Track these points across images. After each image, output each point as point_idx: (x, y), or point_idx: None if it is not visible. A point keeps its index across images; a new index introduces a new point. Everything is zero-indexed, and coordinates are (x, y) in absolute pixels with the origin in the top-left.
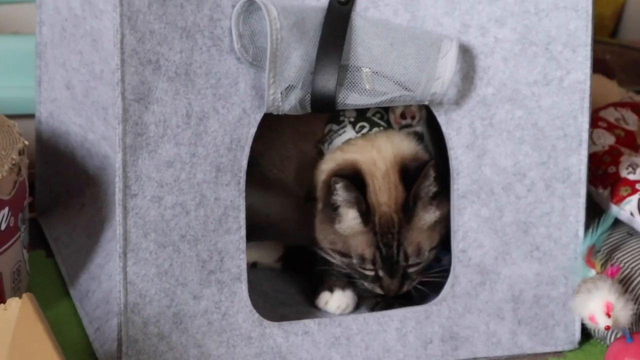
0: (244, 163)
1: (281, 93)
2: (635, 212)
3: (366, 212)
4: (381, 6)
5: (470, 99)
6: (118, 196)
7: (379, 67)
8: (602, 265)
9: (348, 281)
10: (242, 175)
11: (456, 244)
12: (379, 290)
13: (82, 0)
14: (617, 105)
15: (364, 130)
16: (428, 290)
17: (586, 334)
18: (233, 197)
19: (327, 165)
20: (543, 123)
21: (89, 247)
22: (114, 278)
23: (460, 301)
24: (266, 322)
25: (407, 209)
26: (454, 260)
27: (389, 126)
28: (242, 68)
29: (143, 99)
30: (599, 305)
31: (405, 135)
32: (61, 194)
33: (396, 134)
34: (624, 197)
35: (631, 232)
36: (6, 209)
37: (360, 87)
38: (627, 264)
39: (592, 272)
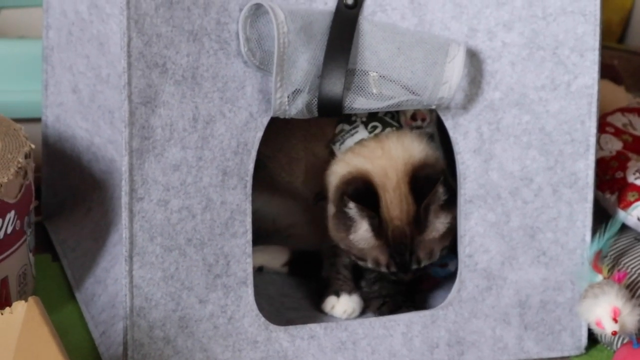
0: (251, 167)
1: (288, 97)
2: None
3: (379, 227)
4: (388, 10)
5: (478, 104)
6: (124, 200)
7: (386, 71)
8: (609, 270)
9: (355, 285)
10: (249, 179)
11: (463, 249)
12: (393, 278)
13: (89, 4)
14: (624, 110)
15: (377, 130)
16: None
17: (593, 339)
18: (239, 201)
19: (339, 167)
20: (550, 128)
21: (94, 251)
22: (119, 282)
23: (467, 306)
24: (272, 327)
25: (419, 221)
26: (461, 265)
27: (400, 126)
28: (249, 72)
29: (150, 103)
30: (606, 311)
31: (416, 136)
32: (67, 198)
33: (407, 135)
34: (631, 203)
35: (638, 237)
36: (12, 213)
37: (368, 91)
38: (634, 269)
39: (599, 277)
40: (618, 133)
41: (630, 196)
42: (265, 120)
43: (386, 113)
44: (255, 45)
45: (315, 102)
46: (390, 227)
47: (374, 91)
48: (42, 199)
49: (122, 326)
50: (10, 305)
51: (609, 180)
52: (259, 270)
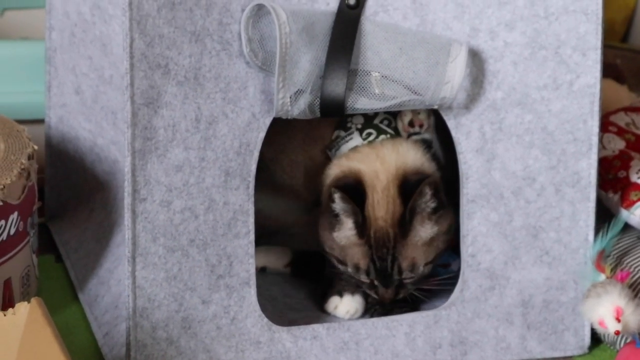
0: (253, 167)
1: (290, 97)
2: None
3: (362, 225)
4: (390, 10)
5: (480, 103)
6: (127, 200)
7: (388, 71)
8: (611, 269)
9: (357, 285)
10: (251, 179)
11: (465, 249)
12: (374, 297)
13: (92, 5)
14: (627, 109)
15: (371, 138)
16: (428, 297)
17: (596, 339)
18: (242, 202)
19: (332, 171)
20: (553, 127)
21: (98, 252)
22: (122, 282)
23: (470, 306)
24: (275, 327)
25: (404, 224)
26: (463, 265)
27: (396, 134)
28: (251, 72)
29: (152, 103)
30: (609, 310)
31: (412, 145)
32: (70, 199)
33: (403, 143)
34: (634, 202)
35: None
36: (15, 214)
37: (370, 91)
38: (637, 269)
39: (602, 277)
40: (621, 132)
41: (633, 195)
42: (267, 121)
43: (382, 120)
44: (258, 45)
45: (318, 103)
46: (374, 227)
47: (376, 91)
48: (45, 200)
49: (125, 327)
50: (13, 307)
51: (611, 179)
52: (261, 271)
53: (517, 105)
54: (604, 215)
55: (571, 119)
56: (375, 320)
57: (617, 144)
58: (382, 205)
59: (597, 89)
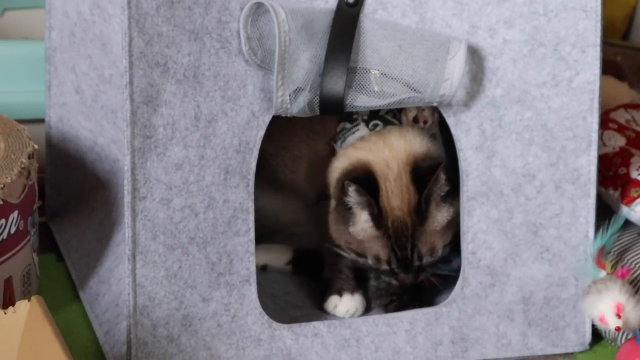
0: (253, 165)
1: (290, 95)
2: None
3: (378, 216)
4: (389, 8)
5: (479, 100)
6: (127, 199)
7: (388, 69)
8: (612, 266)
9: (357, 284)
10: (251, 177)
11: (466, 246)
12: (395, 283)
13: (91, 5)
14: (627, 106)
15: (378, 129)
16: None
17: (597, 335)
18: (242, 200)
19: (340, 163)
20: (552, 124)
21: (98, 251)
22: (123, 281)
23: (470, 303)
24: (276, 324)
25: (420, 211)
26: (464, 262)
27: (401, 124)
28: (250, 70)
29: (151, 102)
30: (609, 306)
31: (418, 132)
32: (71, 198)
33: (409, 130)
34: (634, 198)
35: None
36: (15, 213)
37: (369, 89)
38: (637, 265)
39: (603, 273)
40: (621, 129)
41: (633, 192)
42: (267, 119)
43: (387, 112)
44: (257, 44)
45: (317, 101)
46: (391, 218)
47: (376, 89)
48: (46, 199)
49: (125, 325)
50: (14, 305)
51: (612, 176)
52: (262, 269)
53: (517, 103)
54: (605, 212)
55: (571, 116)
56: (376, 317)
57: (618, 141)
58: (396, 194)
59: (596, 86)
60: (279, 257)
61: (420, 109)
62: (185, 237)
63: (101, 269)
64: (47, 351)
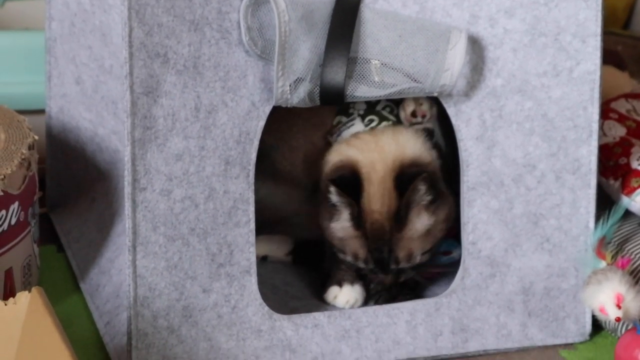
0: (253, 156)
1: (290, 86)
2: None
3: (358, 217)
4: None
5: (480, 91)
6: (127, 190)
7: (388, 59)
8: (612, 256)
9: (357, 275)
10: (251, 168)
11: (466, 236)
12: (376, 280)
13: None
14: (628, 96)
15: (373, 124)
16: (429, 283)
17: (597, 326)
18: (242, 190)
19: (331, 158)
20: (553, 114)
21: (99, 242)
22: (123, 272)
23: (470, 293)
24: (276, 315)
25: (399, 217)
26: (464, 253)
27: (398, 121)
28: (250, 61)
29: (152, 92)
30: (610, 297)
31: (412, 133)
32: (71, 189)
33: (403, 131)
34: (635, 189)
35: None
36: (16, 204)
37: (369, 79)
38: (637, 256)
39: (603, 264)
40: (622, 119)
41: (634, 182)
42: (267, 109)
43: (384, 107)
44: (257, 34)
45: (317, 91)
46: (370, 220)
47: (376, 79)
48: (46, 190)
49: (126, 316)
50: (14, 296)
51: (612, 166)
52: (263, 260)
53: (517, 93)
54: (605, 202)
55: (571, 106)
56: (376, 308)
57: (618, 131)
58: (378, 198)
59: (597, 76)
60: (279, 248)
61: (418, 104)
62: (185, 228)
63: (102, 260)
64: (48, 342)
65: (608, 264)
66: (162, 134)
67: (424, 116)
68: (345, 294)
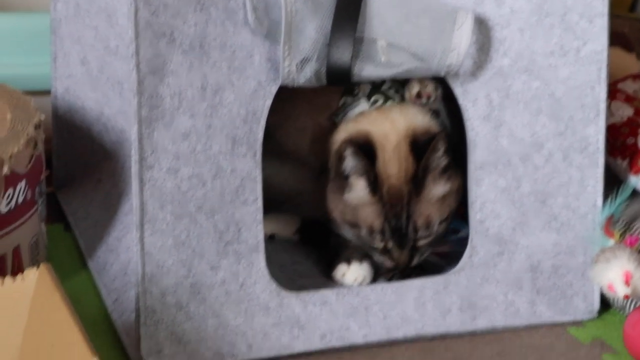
0: (260, 135)
1: (296, 65)
2: None
3: (374, 182)
4: None
5: (487, 70)
6: (134, 168)
7: (395, 38)
8: (620, 234)
9: (365, 253)
10: (258, 147)
11: (474, 215)
12: (388, 264)
13: None
14: (635, 77)
15: (378, 104)
16: (443, 263)
17: (605, 304)
18: (249, 169)
19: (339, 136)
20: (560, 94)
21: (106, 220)
22: (131, 250)
23: (479, 271)
24: (284, 292)
25: (417, 181)
26: (472, 231)
27: (403, 100)
28: (256, 40)
29: (158, 72)
30: (618, 275)
31: (419, 109)
32: (78, 169)
33: (410, 107)
34: None
35: None
36: (23, 182)
37: (376, 59)
38: None
39: (611, 242)
40: (629, 99)
41: None
42: (273, 89)
43: (389, 87)
44: (262, 14)
45: (324, 71)
46: (387, 185)
47: (382, 59)
48: (53, 170)
49: (134, 293)
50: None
51: (620, 146)
52: (270, 238)
53: (524, 72)
54: (613, 182)
55: (579, 86)
56: (384, 285)
57: (626, 111)
58: (394, 163)
59: (604, 56)
60: (286, 227)
61: (423, 85)
62: (192, 205)
63: (109, 239)
64: (57, 318)
65: (616, 242)
66: (169, 113)
67: (428, 97)
68: (353, 272)
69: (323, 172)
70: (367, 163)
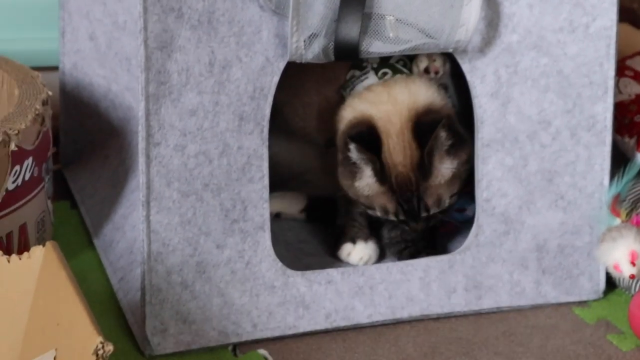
0: (267, 112)
1: (304, 41)
2: None
3: (382, 172)
4: None
5: (495, 47)
6: (141, 145)
7: (403, 14)
8: (627, 214)
9: (370, 232)
10: (265, 124)
11: (480, 193)
12: (407, 229)
13: None
14: None
15: (387, 77)
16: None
17: (611, 284)
18: (256, 146)
19: (346, 113)
20: (568, 70)
21: (113, 198)
22: (137, 228)
23: (484, 250)
24: (289, 271)
25: (423, 167)
26: (478, 210)
27: (411, 73)
28: (265, 16)
29: (166, 47)
30: (624, 254)
31: (424, 82)
32: (85, 146)
33: (415, 81)
34: None
35: None
36: (30, 159)
37: (384, 35)
38: None
39: (617, 221)
40: (637, 77)
41: None
42: (281, 65)
43: (398, 60)
44: None
45: (332, 47)
46: (394, 173)
47: (391, 35)
48: (60, 147)
49: (140, 271)
50: (28, 252)
51: (627, 124)
52: (276, 217)
53: (533, 49)
54: (620, 160)
55: (587, 62)
56: (389, 265)
57: (634, 89)
58: (399, 150)
59: (613, 32)
60: (292, 205)
61: (431, 60)
62: (199, 183)
63: (115, 216)
64: (62, 295)
65: (623, 222)
66: (177, 89)
67: (437, 72)
68: (358, 251)
69: (329, 147)
70: (372, 156)
